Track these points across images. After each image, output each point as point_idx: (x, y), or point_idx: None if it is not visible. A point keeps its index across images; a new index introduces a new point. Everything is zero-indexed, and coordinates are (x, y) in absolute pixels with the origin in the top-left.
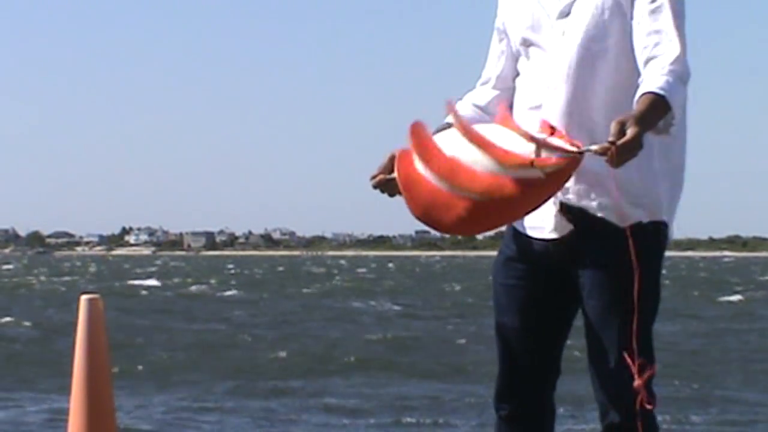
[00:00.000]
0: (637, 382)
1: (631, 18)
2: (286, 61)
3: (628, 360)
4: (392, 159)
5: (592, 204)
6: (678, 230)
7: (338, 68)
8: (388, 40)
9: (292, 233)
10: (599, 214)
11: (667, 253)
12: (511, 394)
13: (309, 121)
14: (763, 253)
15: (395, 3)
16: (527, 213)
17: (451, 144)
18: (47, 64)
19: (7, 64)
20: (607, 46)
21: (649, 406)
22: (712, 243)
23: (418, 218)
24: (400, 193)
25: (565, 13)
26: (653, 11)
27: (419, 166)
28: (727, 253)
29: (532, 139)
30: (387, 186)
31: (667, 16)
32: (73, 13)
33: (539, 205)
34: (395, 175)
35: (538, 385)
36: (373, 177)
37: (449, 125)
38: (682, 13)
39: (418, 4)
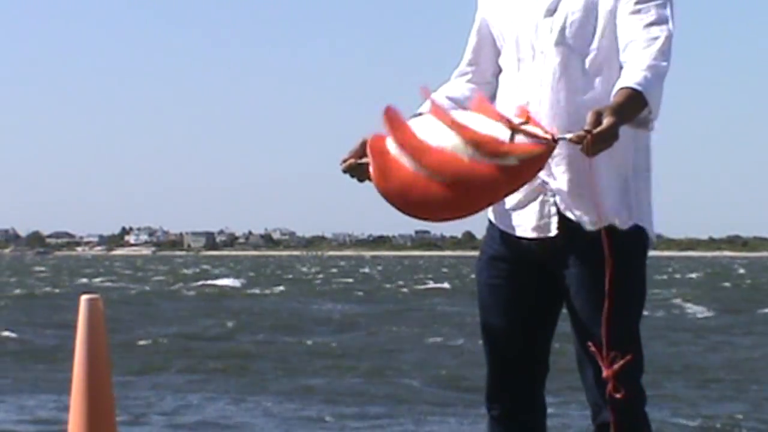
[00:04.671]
0: (605, 373)
1: (616, 14)
2: (285, 61)
3: (594, 350)
4: (363, 144)
5: (575, 212)
6: (678, 230)
7: (338, 68)
8: (389, 41)
9: (292, 233)
10: (580, 223)
11: (668, 253)
12: (501, 393)
13: (309, 121)
14: (764, 253)
15: (397, 3)
16: (500, 199)
17: (425, 127)
18: (47, 63)
19: (8, 64)
20: (596, 46)
21: (617, 396)
22: (712, 243)
23: (391, 202)
24: (369, 179)
25: (552, 11)
26: (638, 7)
27: (392, 148)
28: (727, 253)
29: (507, 123)
30: (357, 170)
31: (651, 11)
32: (73, 14)
33: (512, 192)
34: (366, 159)
35: (528, 383)
36: (344, 161)
37: (421, 114)
38: (667, 7)
39: (420, 4)
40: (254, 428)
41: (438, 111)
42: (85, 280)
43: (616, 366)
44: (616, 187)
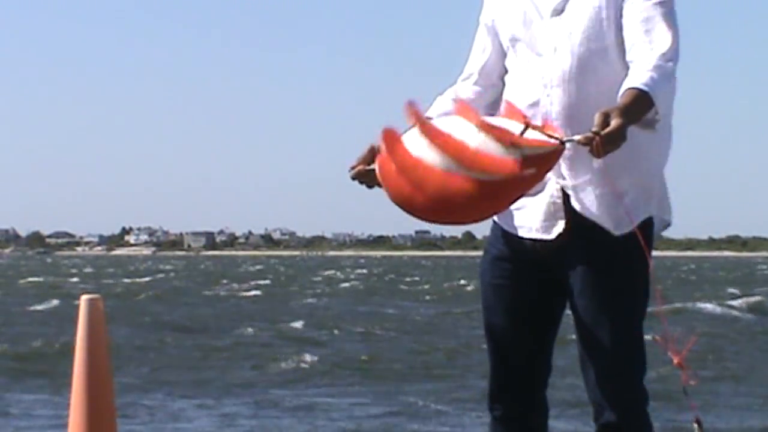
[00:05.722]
0: (676, 360)
1: (622, 13)
2: (286, 62)
3: (660, 340)
4: (371, 150)
5: (591, 201)
6: (678, 230)
7: (338, 69)
8: (392, 42)
9: (292, 233)
10: (595, 220)
11: (667, 253)
12: (504, 394)
13: (309, 121)
14: (764, 253)
15: (398, 3)
16: (513, 202)
17: (431, 154)
18: (47, 64)
19: (7, 64)
20: (605, 45)
21: (692, 383)
22: (712, 243)
23: (401, 206)
24: (378, 185)
25: (559, 11)
26: (643, 7)
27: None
28: (726, 253)
29: (509, 140)
30: (366, 177)
31: (656, 11)
32: (74, 14)
33: (523, 195)
34: (374, 166)
35: (530, 384)
36: (352, 168)
37: (429, 118)
38: (671, 7)
39: (422, 3)
40: None
41: (439, 135)
42: (135, 279)
43: (684, 351)
44: (634, 184)
